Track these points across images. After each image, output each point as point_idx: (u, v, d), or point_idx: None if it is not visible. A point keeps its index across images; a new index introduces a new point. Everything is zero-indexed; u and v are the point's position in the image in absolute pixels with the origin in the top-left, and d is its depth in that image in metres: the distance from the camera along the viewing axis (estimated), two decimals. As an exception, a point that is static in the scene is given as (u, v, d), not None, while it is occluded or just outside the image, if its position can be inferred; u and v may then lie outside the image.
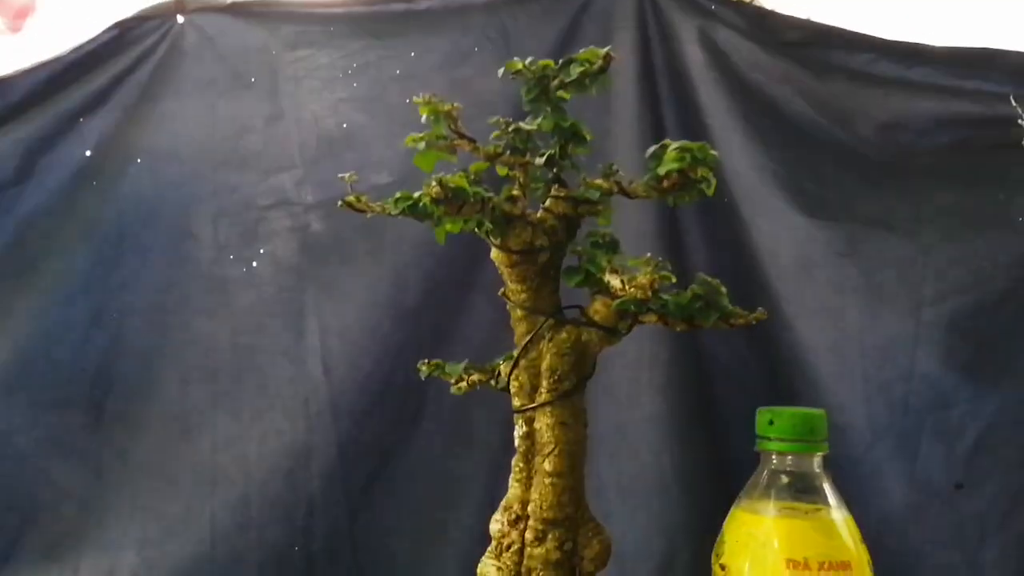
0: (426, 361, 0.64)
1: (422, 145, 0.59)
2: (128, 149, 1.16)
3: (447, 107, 0.59)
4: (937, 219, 1.06)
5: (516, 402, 0.60)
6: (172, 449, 1.14)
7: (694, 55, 1.12)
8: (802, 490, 0.53)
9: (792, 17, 1.11)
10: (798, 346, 1.07)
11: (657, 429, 1.10)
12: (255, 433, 1.14)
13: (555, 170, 0.60)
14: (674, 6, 1.13)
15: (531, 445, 0.59)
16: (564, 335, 0.59)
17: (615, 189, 0.58)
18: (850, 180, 1.08)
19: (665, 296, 0.56)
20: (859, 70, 1.08)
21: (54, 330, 1.15)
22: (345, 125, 1.16)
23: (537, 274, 0.60)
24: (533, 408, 0.59)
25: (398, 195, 0.55)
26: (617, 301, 0.56)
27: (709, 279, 0.56)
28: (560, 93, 0.59)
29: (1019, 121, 1.02)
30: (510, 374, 0.60)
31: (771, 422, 0.53)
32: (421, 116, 0.60)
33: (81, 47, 1.16)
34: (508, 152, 0.61)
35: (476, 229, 0.58)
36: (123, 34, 1.17)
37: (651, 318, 0.57)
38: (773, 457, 0.54)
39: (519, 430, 0.60)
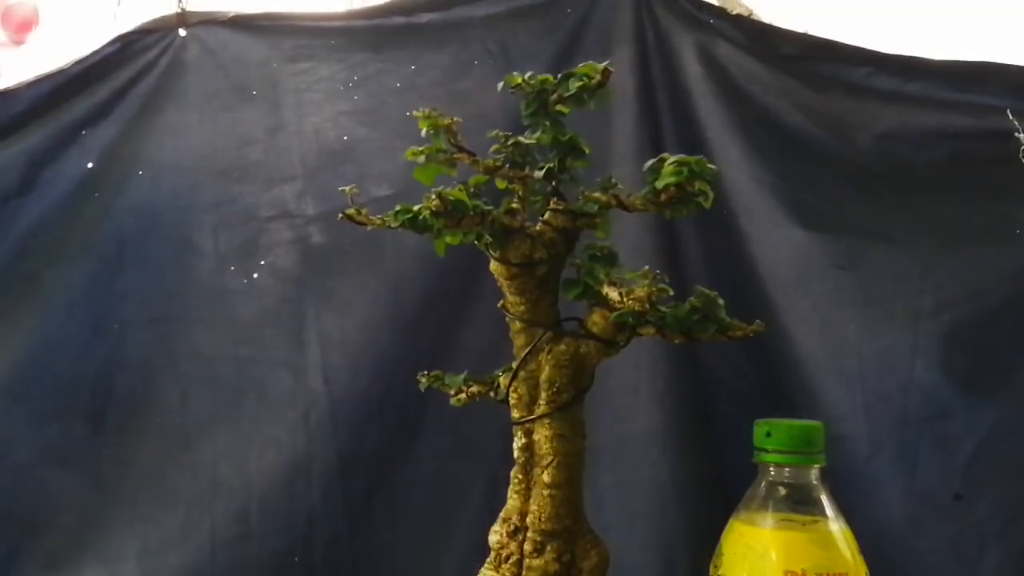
0: (426, 372, 0.64)
1: (422, 158, 0.60)
2: (130, 161, 1.16)
3: (447, 121, 0.60)
4: (935, 231, 1.06)
5: (515, 414, 0.60)
6: (172, 459, 1.14)
7: (693, 69, 1.12)
8: (800, 502, 0.53)
9: (790, 31, 1.12)
10: (796, 358, 1.07)
11: (655, 441, 1.10)
12: (255, 443, 1.13)
13: (554, 183, 0.61)
14: (673, 20, 1.14)
15: (530, 457, 0.59)
16: (563, 347, 0.59)
17: (613, 202, 0.58)
18: (848, 193, 1.08)
19: (663, 308, 0.56)
20: (857, 83, 1.09)
21: (55, 341, 1.15)
22: (346, 138, 1.17)
23: (536, 286, 0.60)
24: (531, 420, 0.59)
25: (398, 208, 0.56)
26: (615, 313, 0.57)
27: (707, 291, 0.56)
28: (559, 107, 0.59)
29: (1016, 134, 1.02)
30: (509, 386, 0.60)
31: (769, 434, 0.54)
32: (421, 129, 0.60)
33: (84, 60, 1.16)
34: (507, 165, 0.61)
35: (476, 242, 0.59)
36: (125, 47, 1.17)
37: (649, 330, 0.57)
38: (771, 469, 0.54)
39: (518, 442, 0.60)
